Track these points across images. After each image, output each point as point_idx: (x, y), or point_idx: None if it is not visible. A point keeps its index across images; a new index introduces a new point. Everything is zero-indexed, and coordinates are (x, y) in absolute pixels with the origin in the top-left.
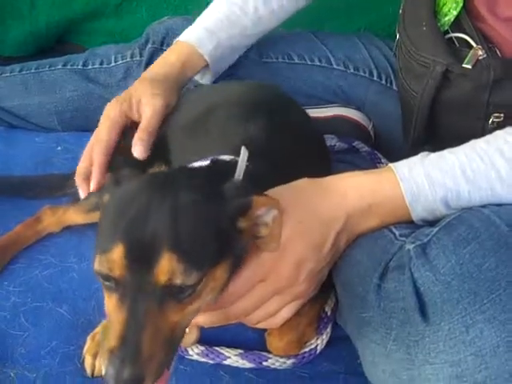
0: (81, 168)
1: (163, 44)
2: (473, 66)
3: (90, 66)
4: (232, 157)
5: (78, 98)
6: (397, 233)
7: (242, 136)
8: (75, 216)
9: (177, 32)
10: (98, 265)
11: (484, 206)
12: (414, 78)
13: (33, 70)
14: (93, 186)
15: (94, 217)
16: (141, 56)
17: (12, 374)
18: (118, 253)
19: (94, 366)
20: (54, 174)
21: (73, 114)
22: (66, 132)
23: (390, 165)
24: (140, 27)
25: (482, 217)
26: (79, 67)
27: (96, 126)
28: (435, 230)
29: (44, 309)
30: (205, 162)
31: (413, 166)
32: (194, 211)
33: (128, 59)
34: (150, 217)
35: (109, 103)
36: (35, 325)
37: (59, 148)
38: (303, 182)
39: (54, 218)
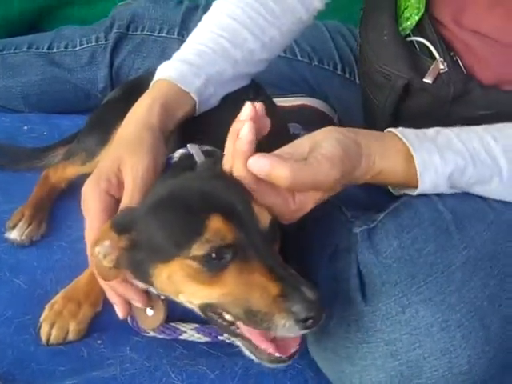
0: None
1: (129, 29)
2: (433, 81)
3: (55, 50)
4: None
5: (44, 82)
6: (348, 214)
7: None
8: (74, 169)
9: (143, 16)
10: (206, 244)
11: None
12: (375, 87)
13: None
14: None
15: (89, 167)
16: (106, 40)
17: None
18: (218, 221)
19: (49, 334)
20: (21, 147)
21: (39, 98)
22: (33, 113)
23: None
24: None
25: (428, 202)
26: (44, 50)
27: (62, 109)
28: (382, 215)
29: (1, 279)
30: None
31: (423, 138)
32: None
33: (93, 43)
34: (215, 189)
35: (86, 184)
36: None
37: (25, 127)
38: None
39: (57, 174)
